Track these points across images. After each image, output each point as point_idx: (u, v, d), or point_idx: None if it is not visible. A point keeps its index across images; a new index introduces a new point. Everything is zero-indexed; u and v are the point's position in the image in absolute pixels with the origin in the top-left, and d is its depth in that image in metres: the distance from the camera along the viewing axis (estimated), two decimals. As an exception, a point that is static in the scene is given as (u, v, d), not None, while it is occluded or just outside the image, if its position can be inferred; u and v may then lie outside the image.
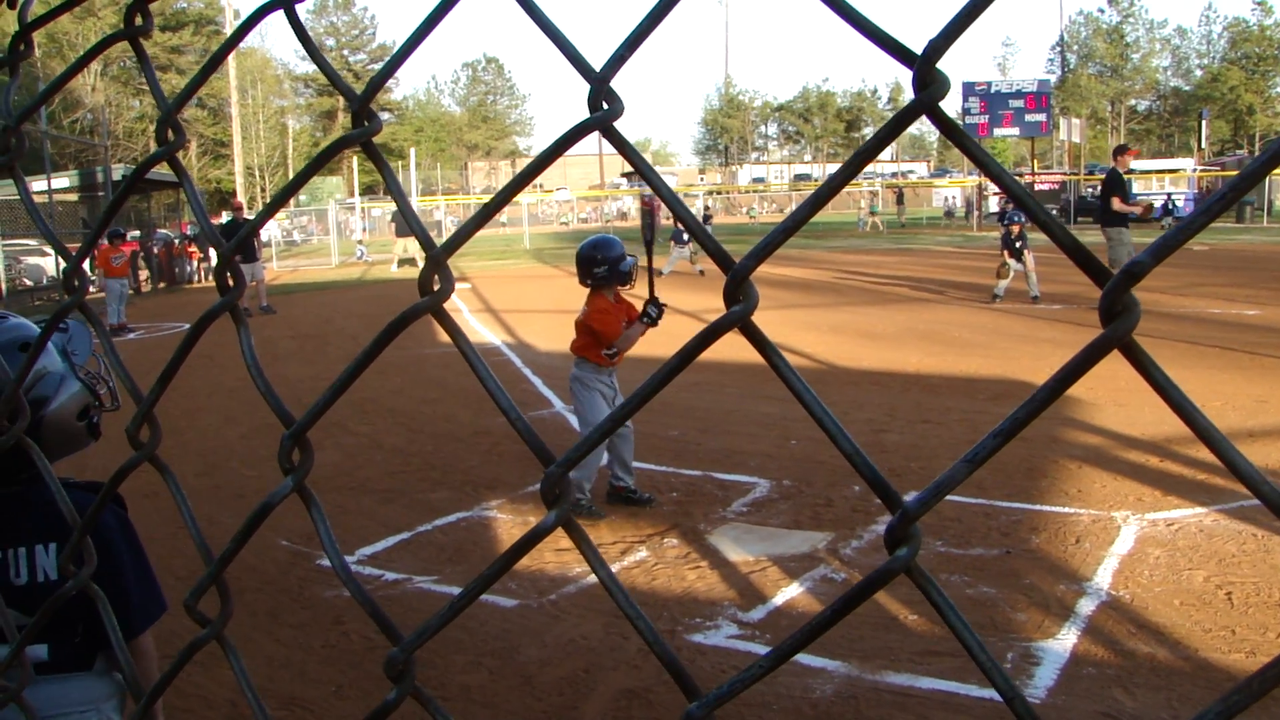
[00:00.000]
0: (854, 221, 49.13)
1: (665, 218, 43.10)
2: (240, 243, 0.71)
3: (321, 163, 0.71)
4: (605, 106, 0.58)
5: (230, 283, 0.72)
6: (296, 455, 0.71)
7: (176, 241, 30.24)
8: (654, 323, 6.36)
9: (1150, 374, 0.45)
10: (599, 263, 6.46)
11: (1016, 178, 0.49)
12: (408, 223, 0.62)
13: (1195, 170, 46.72)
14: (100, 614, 0.99)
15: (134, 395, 0.84)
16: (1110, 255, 14.33)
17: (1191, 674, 4.12)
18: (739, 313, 0.54)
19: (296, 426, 0.69)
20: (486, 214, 0.59)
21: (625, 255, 6.56)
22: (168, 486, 0.84)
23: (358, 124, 0.66)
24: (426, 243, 0.62)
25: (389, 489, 7.19)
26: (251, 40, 76.87)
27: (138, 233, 29.46)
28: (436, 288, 0.61)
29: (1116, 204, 14.45)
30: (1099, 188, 16.09)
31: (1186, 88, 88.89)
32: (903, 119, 0.49)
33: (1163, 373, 0.45)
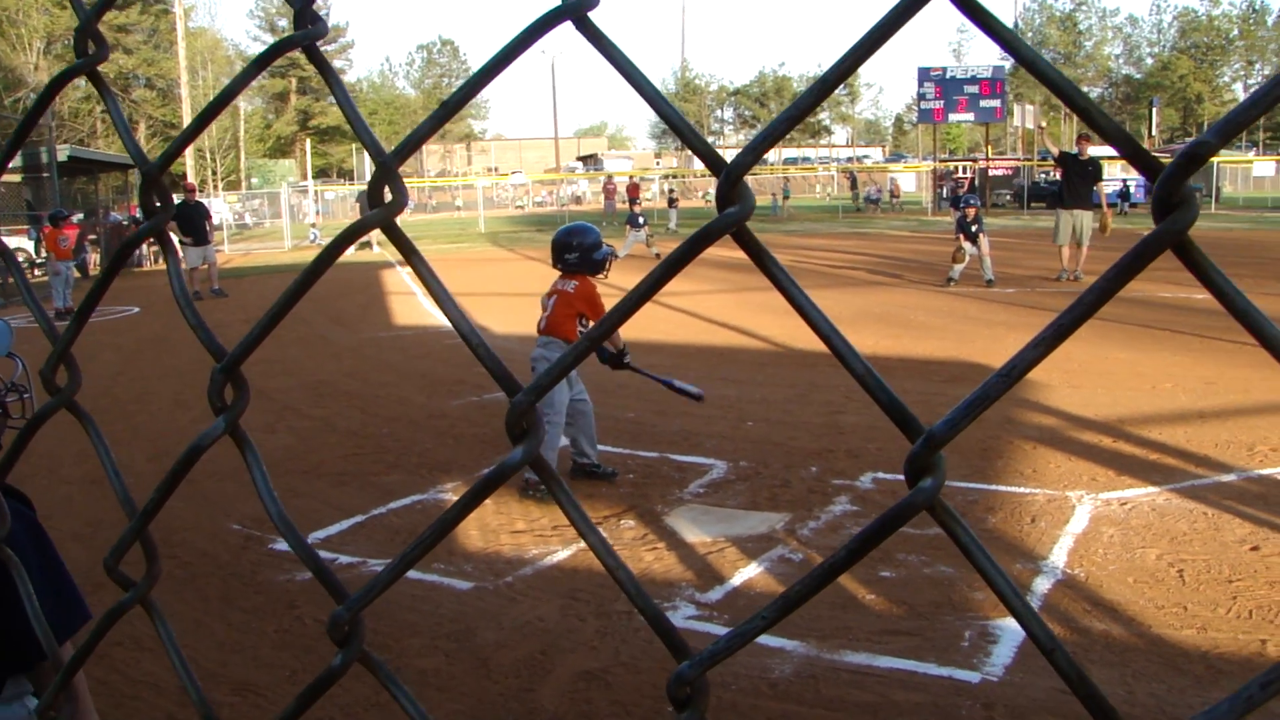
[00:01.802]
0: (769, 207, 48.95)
1: (620, 202, 42.97)
2: (167, 164, 0.65)
3: (261, 67, 0.65)
4: (579, -6, 0.52)
5: (157, 203, 0.66)
6: (230, 393, 0.64)
7: (125, 224, 29.71)
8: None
9: (1208, 275, 0.41)
10: (572, 249, 6.52)
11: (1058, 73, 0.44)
12: (356, 131, 0.57)
13: (1146, 157, 47.20)
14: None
15: (50, 336, 0.77)
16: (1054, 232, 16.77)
17: (1145, 650, 4.15)
18: (735, 214, 0.49)
19: (228, 359, 0.63)
20: (444, 115, 0.54)
21: (601, 244, 6.62)
22: (88, 434, 0.78)
23: (300, 26, 0.59)
24: (376, 150, 0.56)
25: (343, 472, 7.10)
26: (202, 20, 75.63)
27: (82, 215, 28.91)
28: (388, 199, 0.55)
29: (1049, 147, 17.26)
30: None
31: (1138, 76, 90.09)
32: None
33: (1221, 274, 0.40)
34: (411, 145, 0.56)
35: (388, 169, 0.54)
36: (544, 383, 0.53)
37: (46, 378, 0.75)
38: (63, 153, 28.27)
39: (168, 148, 0.67)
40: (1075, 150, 16.39)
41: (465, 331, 0.57)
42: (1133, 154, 0.42)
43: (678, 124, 0.52)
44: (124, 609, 0.72)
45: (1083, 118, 0.43)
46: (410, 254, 0.56)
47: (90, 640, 0.78)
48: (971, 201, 16.75)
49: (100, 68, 0.75)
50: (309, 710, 0.71)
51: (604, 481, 6.56)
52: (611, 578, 0.54)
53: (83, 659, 0.79)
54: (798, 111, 0.47)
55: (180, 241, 19.76)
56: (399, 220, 0.57)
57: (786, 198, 49.08)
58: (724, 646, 0.49)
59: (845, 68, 0.46)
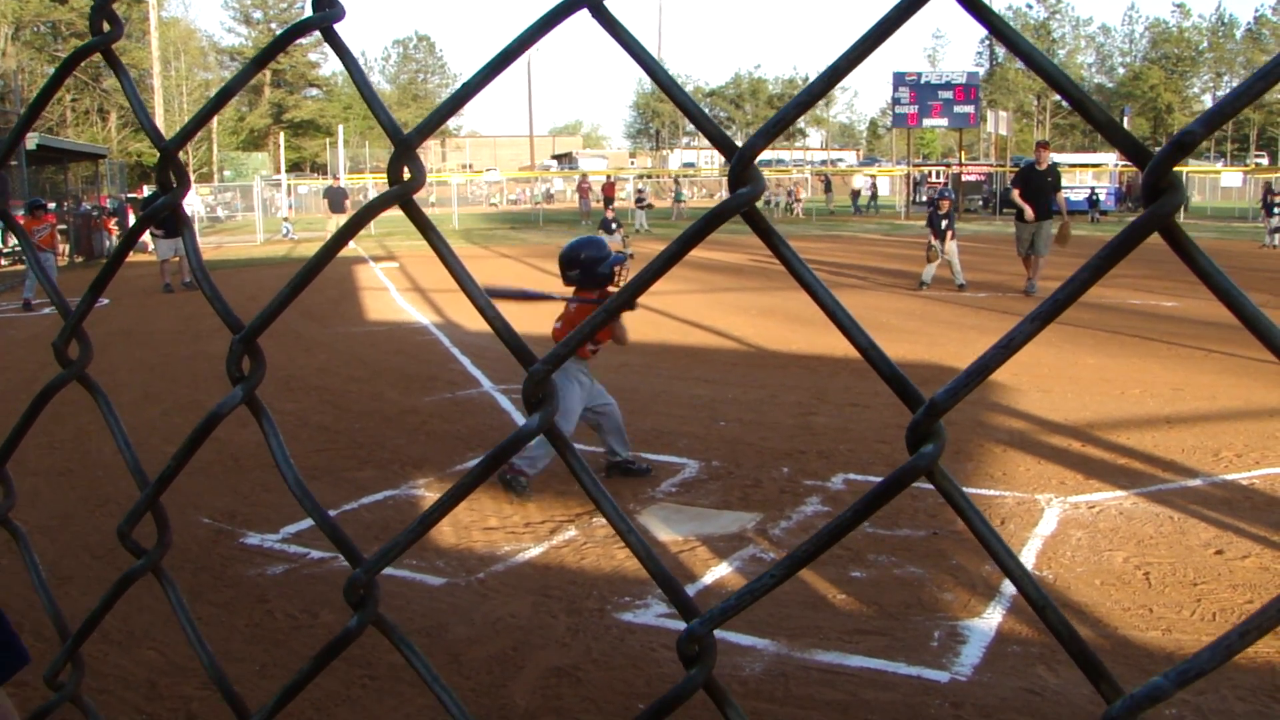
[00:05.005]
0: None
1: (595, 200, 42.92)
2: (184, 141, 0.66)
3: (279, 48, 0.66)
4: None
5: (174, 181, 0.67)
6: (247, 363, 0.65)
7: (95, 214, 29.43)
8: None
9: (1193, 258, 0.43)
10: (576, 264, 6.46)
11: (1066, 77, 0.46)
12: (374, 112, 0.58)
13: (1117, 165, 47.75)
14: None
15: (62, 311, 0.78)
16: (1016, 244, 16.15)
17: (1111, 651, 4.20)
18: (746, 194, 0.51)
19: (247, 331, 0.64)
20: (463, 95, 0.55)
21: (607, 256, 6.47)
22: (98, 406, 0.79)
23: (319, 8, 0.61)
24: (394, 130, 0.58)
25: (315, 467, 7.06)
26: (175, 10, 75.00)
27: (53, 205, 28.63)
28: (406, 177, 0.56)
29: (1014, 194, 15.90)
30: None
31: (1110, 85, 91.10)
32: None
33: (1206, 258, 0.42)
34: (431, 126, 0.57)
35: (408, 147, 0.56)
36: (561, 353, 0.55)
37: (59, 350, 0.76)
38: (31, 141, 27.94)
39: (185, 125, 0.68)
40: (1033, 159, 16.14)
41: (482, 305, 0.58)
42: (1123, 142, 0.44)
43: (691, 109, 0.54)
44: (136, 575, 0.73)
45: (1077, 109, 0.45)
46: (427, 229, 0.58)
47: (99, 609, 0.79)
48: (946, 194, 16.72)
49: (68, 56, 0.76)
50: (287, 704, 0.72)
51: (640, 477, 6.58)
52: (623, 541, 0.55)
53: (89, 630, 0.80)
54: (808, 97, 0.49)
55: (151, 233, 19.65)
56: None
57: (680, 200, 48.08)
58: (734, 604, 0.51)
59: (854, 56, 0.48)
